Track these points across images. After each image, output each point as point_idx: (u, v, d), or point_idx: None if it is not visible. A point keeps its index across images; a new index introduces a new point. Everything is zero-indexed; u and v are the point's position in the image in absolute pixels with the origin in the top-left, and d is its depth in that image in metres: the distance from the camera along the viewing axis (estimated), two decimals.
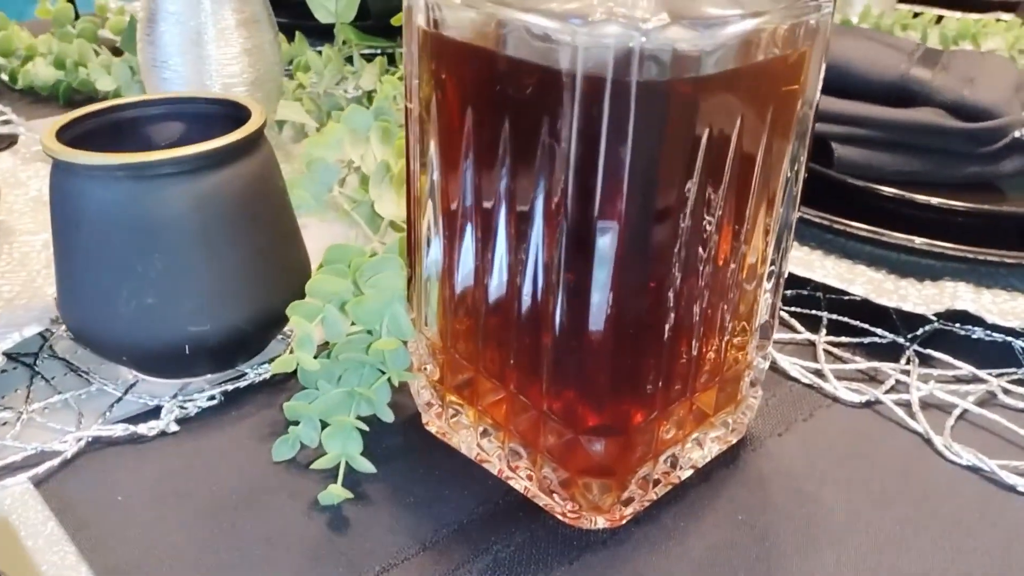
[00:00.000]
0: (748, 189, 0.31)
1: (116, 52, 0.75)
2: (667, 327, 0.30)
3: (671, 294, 0.30)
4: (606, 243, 0.28)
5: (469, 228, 0.32)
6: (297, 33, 0.69)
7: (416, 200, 0.34)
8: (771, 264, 0.34)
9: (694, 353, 0.32)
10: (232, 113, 0.40)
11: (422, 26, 0.31)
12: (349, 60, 0.69)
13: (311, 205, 0.51)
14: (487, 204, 0.31)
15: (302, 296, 0.39)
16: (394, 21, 0.66)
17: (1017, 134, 0.51)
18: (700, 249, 0.30)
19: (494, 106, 0.29)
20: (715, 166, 0.29)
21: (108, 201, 0.35)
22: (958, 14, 0.93)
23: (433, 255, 0.34)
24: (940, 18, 0.92)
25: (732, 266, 0.32)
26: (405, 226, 0.36)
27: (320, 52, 0.75)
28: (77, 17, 0.80)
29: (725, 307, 0.33)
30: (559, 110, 0.27)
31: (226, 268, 0.36)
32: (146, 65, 0.52)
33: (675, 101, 0.27)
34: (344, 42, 0.69)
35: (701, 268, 0.31)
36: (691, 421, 0.34)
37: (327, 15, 0.66)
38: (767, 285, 0.34)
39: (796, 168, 0.33)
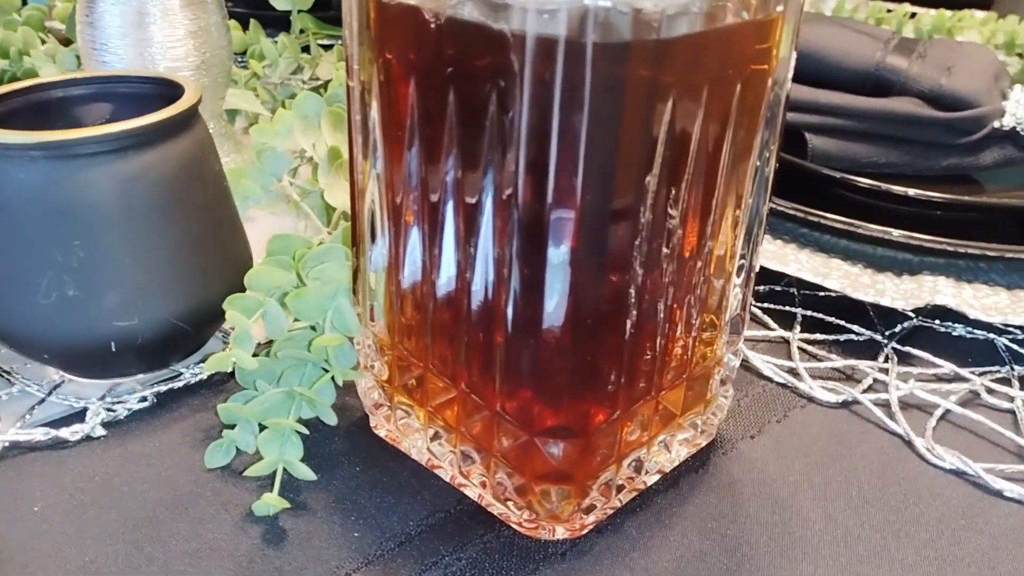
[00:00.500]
0: (715, 177, 0.28)
1: (66, 43, 0.71)
2: (629, 320, 0.28)
3: (632, 286, 0.27)
4: (561, 228, 0.26)
5: (416, 216, 0.30)
6: (252, 21, 0.67)
7: (359, 186, 0.32)
8: (741, 257, 0.31)
9: (659, 349, 0.30)
10: (166, 92, 0.37)
11: None
12: (306, 49, 0.66)
13: (260, 196, 0.48)
14: (434, 190, 0.28)
15: (241, 290, 0.36)
16: None
17: (996, 124, 0.50)
18: (664, 238, 0.28)
19: (440, 78, 0.27)
20: (679, 147, 0.26)
21: (24, 183, 0.32)
22: (932, 11, 0.91)
23: (379, 245, 0.31)
24: (914, 13, 0.91)
25: (699, 260, 0.30)
26: None
27: (276, 41, 0.72)
28: (25, 4, 0.77)
29: (692, 300, 0.30)
30: (509, 77, 0.25)
31: (155, 258, 0.34)
32: (86, 48, 0.49)
33: (635, 66, 0.24)
34: (301, 31, 0.66)
35: (665, 257, 0.28)
36: (657, 422, 0.31)
37: (284, 2, 0.63)
38: (737, 280, 0.32)
39: (766, 155, 0.30)
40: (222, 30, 0.50)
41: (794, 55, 0.29)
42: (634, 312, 0.28)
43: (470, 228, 0.28)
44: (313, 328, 0.35)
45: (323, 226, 0.44)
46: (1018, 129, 0.49)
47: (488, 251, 0.27)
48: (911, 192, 0.46)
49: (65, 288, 0.33)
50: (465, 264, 0.28)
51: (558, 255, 0.26)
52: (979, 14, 0.91)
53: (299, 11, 0.64)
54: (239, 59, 0.67)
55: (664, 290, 0.29)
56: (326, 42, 0.69)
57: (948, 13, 0.90)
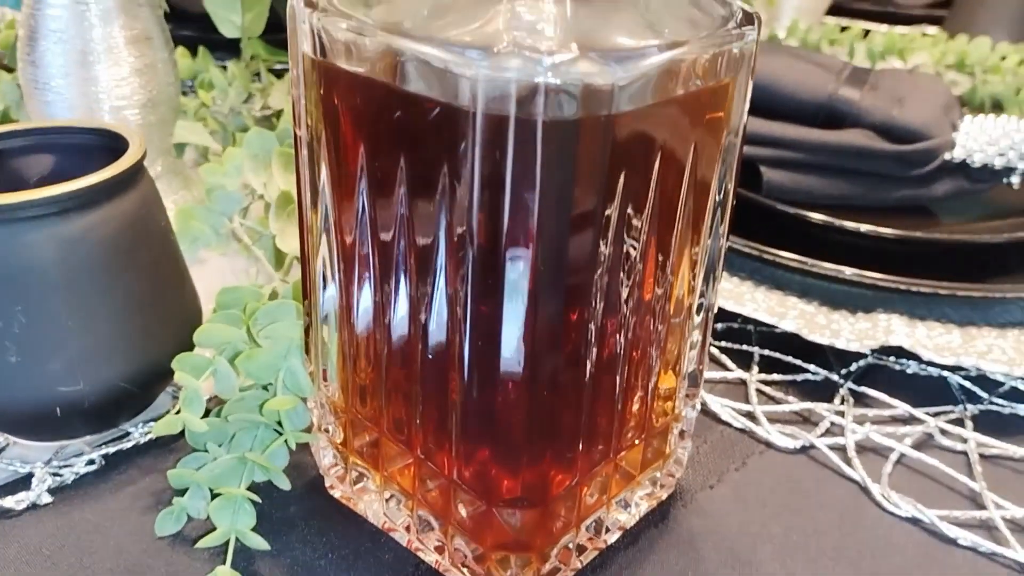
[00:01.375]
0: (671, 228, 0.28)
1: (8, 69, 0.70)
2: (588, 369, 0.27)
3: (591, 336, 0.27)
4: (515, 298, 0.25)
5: (367, 271, 0.29)
6: (201, 48, 0.65)
7: (309, 237, 0.31)
8: (700, 296, 0.31)
9: (619, 403, 0.30)
10: (110, 143, 0.36)
11: (308, 53, 0.27)
12: (257, 76, 0.65)
13: (210, 238, 0.47)
14: (385, 246, 0.28)
15: (191, 346, 0.35)
16: None
17: (947, 156, 0.50)
18: (621, 292, 0.27)
19: (389, 142, 0.26)
20: (634, 205, 0.26)
21: None
22: (884, 27, 0.92)
23: (330, 299, 0.31)
24: (867, 32, 0.92)
25: (657, 305, 0.29)
26: None
27: (225, 67, 0.71)
28: None
29: (651, 350, 0.30)
30: (460, 150, 0.24)
31: (100, 322, 0.33)
32: (28, 87, 0.48)
33: (586, 140, 0.24)
34: (252, 57, 0.65)
35: (623, 310, 0.28)
36: (617, 482, 0.31)
37: (232, 29, 0.62)
38: (696, 320, 0.32)
39: (723, 199, 0.30)
40: (169, 66, 0.49)
41: (748, 103, 0.29)
42: (593, 360, 0.27)
43: (423, 281, 0.27)
44: (265, 388, 0.34)
45: (274, 272, 0.44)
46: (968, 161, 0.50)
47: (441, 303, 0.27)
48: (863, 228, 0.46)
49: (7, 355, 0.32)
50: (418, 314, 0.28)
51: (515, 300, 0.25)
52: (931, 30, 0.92)
53: (249, 38, 0.63)
54: (187, 84, 0.66)
55: (622, 339, 0.28)
56: (279, 67, 0.68)
57: (902, 30, 0.92)
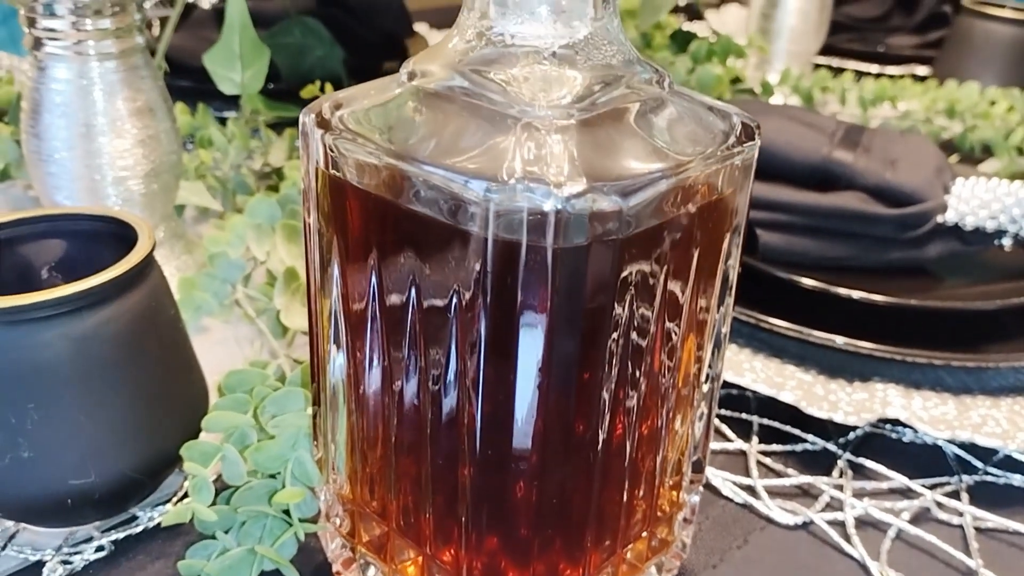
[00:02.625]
0: (678, 318, 0.29)
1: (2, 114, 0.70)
2: (598, 454, 0.28)
3: (599, 444, 0.28)
4: (525, 411, 0.26)
5: (376, 364, 0.30)
6: (200, 105, 0.66)
7: (317, 322, 0.32)
8: (708, 368, 0.32)
9: (626, 490, 0.30)
10: (118, 231, 0.37)
11: (320, 166, 0.28)
12: (256, 131, 0.65)
13: (213, 307, 0.48)
14: (396, 344, 0.29)
15: (198, 430, 0.36)
16: (304, 94, 0.63)
17: (940, 219, 0.51)
18: (628, 380, 0.28)
19: (400, 254, 0.27)
20: (641, 308, 0.27)
21: None
22: (875, 67, 0.94)
23: (338, 384, 0.31)
24: (860, 74, 0.93)
25: (664, 382, 0.30)
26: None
27: (224, 121, 0.71)
28: None
29: (659, 426, 0.31)
30: (471, 272, 0.25)
31: (110, 415, 0.33)
32: (31, 158, 0.48)
33: (595, 263, 0.25)
34: (252, 112, 0.65)
35: (631, 395, 0.28)
36: (623, 573, 0.32)
37: (232, 86, 0.63)
38: (703, 389, 0.32)
39: (728, 286, 0.31)
40: (171, 135, 0.50)
41: (748, 204, 0.30)
42: (602, 442, 0.28)
43: (434, 393, 0.28)
44: (273, 476, 0.34)
45: (278, 347, 0.44)
46: (960, 224, 0.51)
47: (452, 381, 0.27)
48: (855, 295, 0.47)
49: (19, 450, 0.32)
50: (429, 393, 0.28)
51: (523, 435, 0.26)
52: (921, 70, 0.93)
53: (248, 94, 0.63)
54: (186, 140, 0.67)
55: (632, 416, 0.29)
56: (278, 119, 0.69)
57: (892, 70, 0.93)
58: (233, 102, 0.69)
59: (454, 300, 0.26)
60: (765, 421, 0.44)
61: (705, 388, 0.32)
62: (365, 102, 0.28)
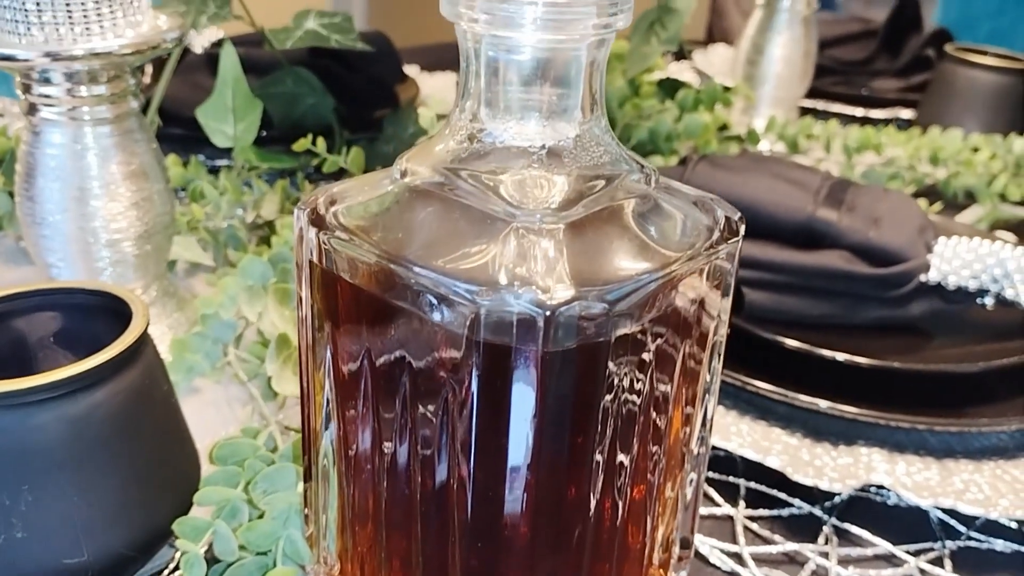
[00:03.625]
0: (666, 400, 0.29)
1: None
2: (587, 532, 0.28)
3: (590, 511, 0.28)
4: (515, 504, 0.26)
5: (367, 438, 0.30)
6: (193, 158, 0.66)
7: (309, 398, 0.32)
8: (700, 430, 0.32)
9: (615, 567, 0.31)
10: (111, 304, 0.37)
11: (313, 259, 0.28)
12: (248, 184, 0.66)
13: (204, 368, 0.48)
14: (386, 425, 0.29)
15: (190, 504, 0.36)
16: (296, 147, 0.63)
17: (923, 278, 0.52)
18: (614, 488, 0.28)
19: (390, 346, 0.27)
20: (630, 399, 0.27)
21: None
22: (859, 110, 0.95)
23: (329, 459, 0.32)
24: (844, 117, 0.94)
25: (653, 457, 0.30)
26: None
27: (216, 171, 0.72)
28: None
29: (647, 499, 0.31)
30: (460, 372, 0.25)
31: (104, 494, 0.33)
32: (25, 220, 0.48)
33: (583, 363, 0.25)
34: (243, 164, 0.66)
35: (621, 475, 0.29)
36: None
37: (224, 139, 0.63)
38: (694, 451, 0.33)
39: (716, 360, 0.31)
40: (164, 196, 0.50)
41: (732, 292, 0.30)
42: (591, 521, 0.28)
43: (424, 480, 0.28)
44: (264, 553, 0.35)
45: (270, 413, 0.44)
46: (942, 283, 0.52)
47: (443, 459, 0.28)
48: (839, 357, 0.48)
49: (13, 531, 0.32)
50: (419, 472, 0.28)
51: (512, 526, 0.27)
52: (905, 113, 0.95)
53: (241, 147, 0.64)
54: (178, 192, 0.67)
55: (623, 487, 0.29)
56: (271, 170, 0.69)
57: (877, 113, 0.94)
58: (224, 151, 0.70)
59: (444, 394, 0.26)
60: (752, 484, 0.44)
61: (695, 450, 0.33)
62: (359, 198, 0.28)
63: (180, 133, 0.73)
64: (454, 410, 0.26)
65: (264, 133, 0.68)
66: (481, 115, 0.27)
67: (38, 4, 0.43)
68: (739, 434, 0.45)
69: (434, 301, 0.25)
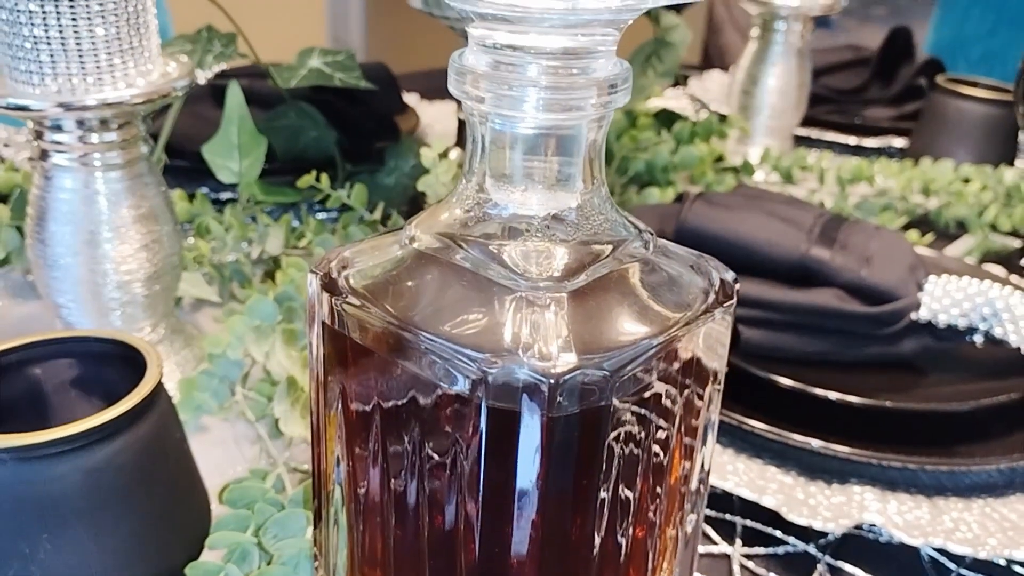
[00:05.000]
0: (668, 456, 0.31)
1: (3, 199, 0.71)
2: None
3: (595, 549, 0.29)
4: (521, 553, 0.28)
5: (376, 482, 0.31)
6: (199, 193, 0.68)
7: (320, 438, 0.33)
8: (700, 472, 0.33)
9: None
10: (124, 351, 0.38)
11: (326, 320, 0.30)
12: (253, 218, 0.67)
13: (212, 407, 0.49)
14: (396, 481, 0.30)
15: (202, 546, 0.37)
16: (300, 183, 0.65)
17: (914, 316, 0.53)
18: (616, 529, 0.29)
19: (399, 407, 0.28)
20: (629, 461, 0.28)
21: None
22: (853, 139, 0.96)
23: (339, 503, 0.33)
24: (838, 145, 0.96)
25: (651, 505, 0.31)
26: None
27: (220, 201, 0.73)
28: None
29: (648, 540, 0.32)
30: (467, 435, 0.27)
31: (119, 541, 0.34)
32: (36, 262, 0.50)
33: (586, 427, 0.26)
34: (248, 199, 0.67)
35: (620, 546, 0.30)
36: None
37: (230, 175, 0.64)
38: (691, 491, 0.34)
39: (715, 409, 0.32)
40: (173, 237, 0.51)
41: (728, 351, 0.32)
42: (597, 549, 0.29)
43: (433, 538, 0.29)
44: None
45: (278, 454, 0.45)
46: (933, 321, 0.53)
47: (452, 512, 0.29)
48: (832, 396, 0.49)
49: None
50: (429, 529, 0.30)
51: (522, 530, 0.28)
52: (897, 142, 0.96)
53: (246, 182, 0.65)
54: (184, 227, 0.68)
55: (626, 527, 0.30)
56: (274, 204, 0.70)
57: (870, 142, 0.95)
58: (229, 184, 0.71)
59: (451, 455, 0.27)
60: (748, 522, 0.46)
61: (694, 490, 0.34)
62: (370, 262, 0.29)
63: (184, 165, 0.74)
64: (462, 460, 0.27)
65: (267, 166, 0.69)
66: (487, 185, 0.28)
67: (52, 56, 0.44)
68: (735, 472, 0.46)
69: (442, 367, 0.26)
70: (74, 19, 0.44)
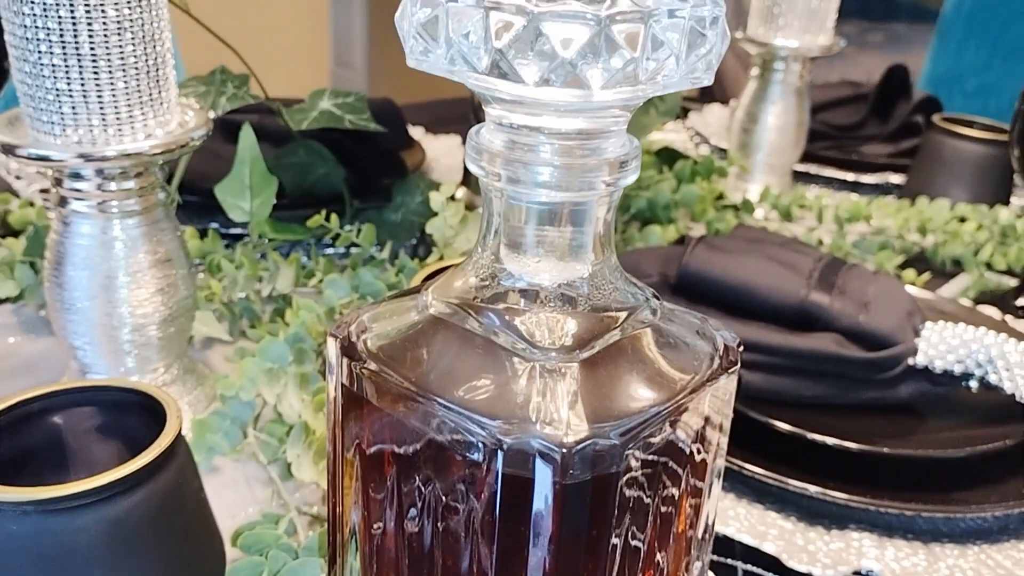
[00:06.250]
0: (672, 507, 0.32)
1: (14, 232, 0.73)
2: None
3: None
4: None
5: (391, 544, 0.32)
6: (211, 231, 0.69)
7: (336, 484, 0.34)
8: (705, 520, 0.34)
9: None
10: (144, 400, 0.39)
11: (344, 383, 0.31)
12: (263, 256, 0.68)
13: (224, 448, 0.50)
14: (410, 522, 0.31)
15: None
16: (310, 223, 0.66)
17: (911, 361, 0.54)
18: (632, 546, 0.30)
19: (415, 467, 0.30)
20: (639, 510, 0.30)
21: (16, 533, 0.33)
22: (850, 175, 0.98)
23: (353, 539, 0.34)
24: (836, 181, 0.97)
25: (660, 549, 0.32)
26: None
27: (230, 237, 0.74)
28: None
29: None
30: (481, 498, 0.28)
31: None
32: (53, 305, 0.51)
33: (597, 492, 0.28)
34: (260, 236, 0.68)
35: (632, 566, 0.31)
36: None
37: (241, 214, 0.66)
38: (697, 538, 0.35)
39: (719, 464, 0.34)
40: (188, 280, 0.52)
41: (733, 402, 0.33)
42: None
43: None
44: None
45: (290, 498, 0.46)
46: (929, 367, 0.54)
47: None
48: (829, 441, 0.50)
49: None
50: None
51: None
52: (895, 178, 0.98)
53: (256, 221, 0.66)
54: (195, 263, 0.69)
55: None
56: (285, 243, 0.71)
57: (868, 178, 0.97)
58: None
59: (464, 514, 0.29)
60: (749, 567, 0.47)
61: (700, 536, 0.35)
62: (387, 327, 0.31)
63: (195, 200, 0.75)
64: (476, 517, 0.28)
65: (277, 200, 0.70)
66: (501, 254, 0.29)
67: (74, 108, 0.45)
68: (736, 518, 0.47)
69: (457, 434, 0.27)
70: (96, 73, 0.45)
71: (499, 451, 0.27)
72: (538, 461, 0.26)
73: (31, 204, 0.72)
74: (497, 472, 0.27)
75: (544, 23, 0.24)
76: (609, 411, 0.27)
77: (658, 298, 0.31)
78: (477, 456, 0.27)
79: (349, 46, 2.85)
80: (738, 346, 0.31)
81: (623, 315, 0.30)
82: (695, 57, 0.26)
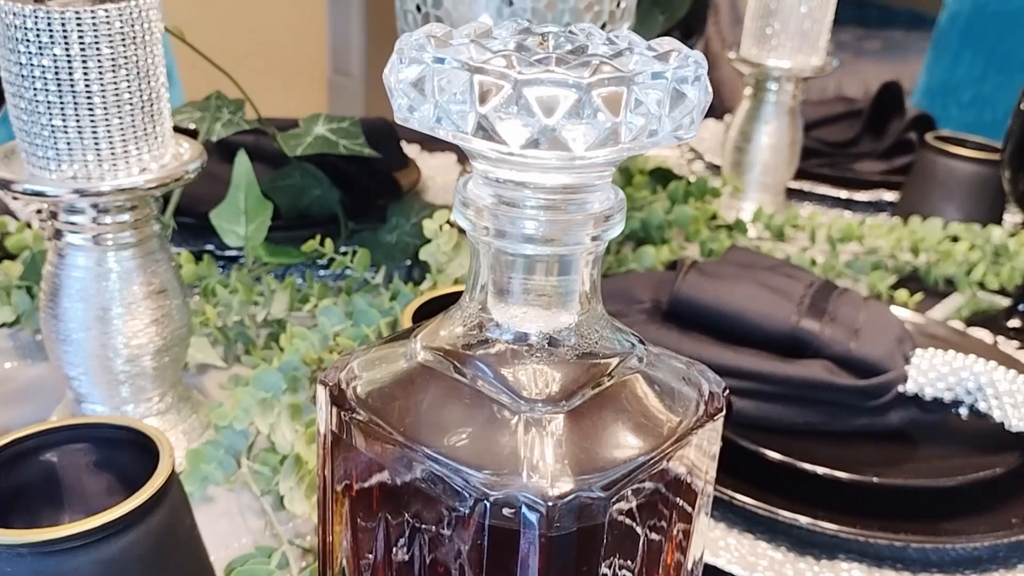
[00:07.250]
0: (657, 566, 0.32)
1: (11, 256, 0.73)
2: None
3: None
4: None
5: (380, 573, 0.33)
6: (206, 256, 0.69)
7: (326, 517, 0.34)
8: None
9: None
10: (137, 438, 0.40)
11: (334, 430, 0.31)
12: (259, 279, 0.69)
13: (218, 478, 0.50)
14: (398, 551, 0.31)
15: None
16: (305, 248, 0.66)
17: (901, 389, 0.54)
18: None
19: (403, 514, 0.30)
20: (627, 551, 0.30)
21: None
22: (844, 192, 0.98)
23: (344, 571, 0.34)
24: (830, 199, 0.98)
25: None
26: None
27: (225, 258, 0.75)
28: None
29: None
30: (468, 546, 0.28)
31: None
32: (48, 336, 0.51)
33: (583, 542, 0.28)
34: (255, 260, 0.69)
35: None
36: None
37: (236, 239, 0.66)
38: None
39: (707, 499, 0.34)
40: (183, 310, 0.53)
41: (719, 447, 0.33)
42: None
43: None
44: None
45: (283, 530, 0.47)
46: (920, 394, 0.54)
47: None
48: (820, 471, 0.50)
49: None
50: None
51: None
52: (888, 195, 0.98)
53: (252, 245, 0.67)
54: (191, 288, 0.70)
55: None
56: (281, 266, 0.72)
57: (861, 196, 0.97)
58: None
59: (455, 556, 0.29)
60: None
61: (690, 571, 0.35)
62: (377, 375, 0.31)
63: (190, 222, 0.76)
64: (463, 563, 0.29)
65: (272, 222, 0.70)
66: (489, 304, 0.30)
67: (69, 144, 0.46)
68: (727, 549, 0.47)
69: (444, 485, 0.28)
70: (91, 109, 0.45)
71: (485, 503, 0.27)
72: (524, 513, 0.27)
73: (28, 226, 0.72)
74: (483, 524, 0.27)
75: (528, 88, 0.24)
76: (595, 462, 0.28)
77: (643, 343, 0.32)
78: (463, 508, 0.28)
79: (347, 54, 2.86)
80: (724, 391, 0.32)
81: (610, 363, 0.30)
82: (679, 114, 0.27)
